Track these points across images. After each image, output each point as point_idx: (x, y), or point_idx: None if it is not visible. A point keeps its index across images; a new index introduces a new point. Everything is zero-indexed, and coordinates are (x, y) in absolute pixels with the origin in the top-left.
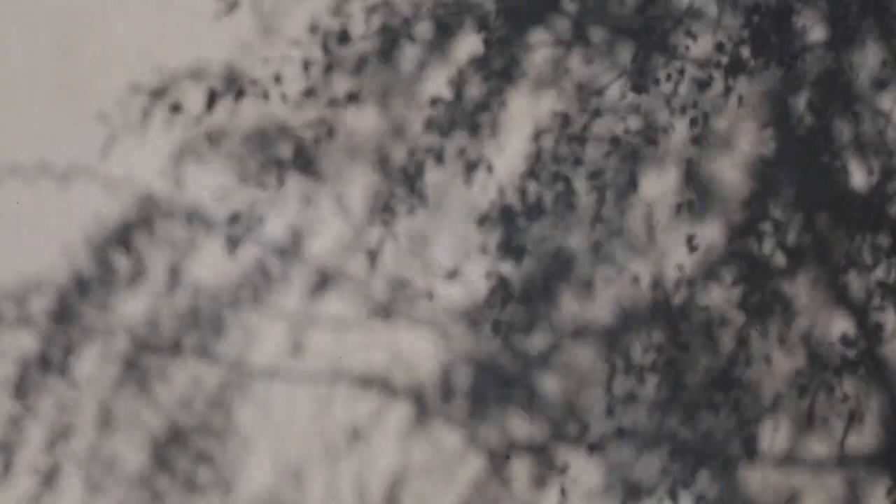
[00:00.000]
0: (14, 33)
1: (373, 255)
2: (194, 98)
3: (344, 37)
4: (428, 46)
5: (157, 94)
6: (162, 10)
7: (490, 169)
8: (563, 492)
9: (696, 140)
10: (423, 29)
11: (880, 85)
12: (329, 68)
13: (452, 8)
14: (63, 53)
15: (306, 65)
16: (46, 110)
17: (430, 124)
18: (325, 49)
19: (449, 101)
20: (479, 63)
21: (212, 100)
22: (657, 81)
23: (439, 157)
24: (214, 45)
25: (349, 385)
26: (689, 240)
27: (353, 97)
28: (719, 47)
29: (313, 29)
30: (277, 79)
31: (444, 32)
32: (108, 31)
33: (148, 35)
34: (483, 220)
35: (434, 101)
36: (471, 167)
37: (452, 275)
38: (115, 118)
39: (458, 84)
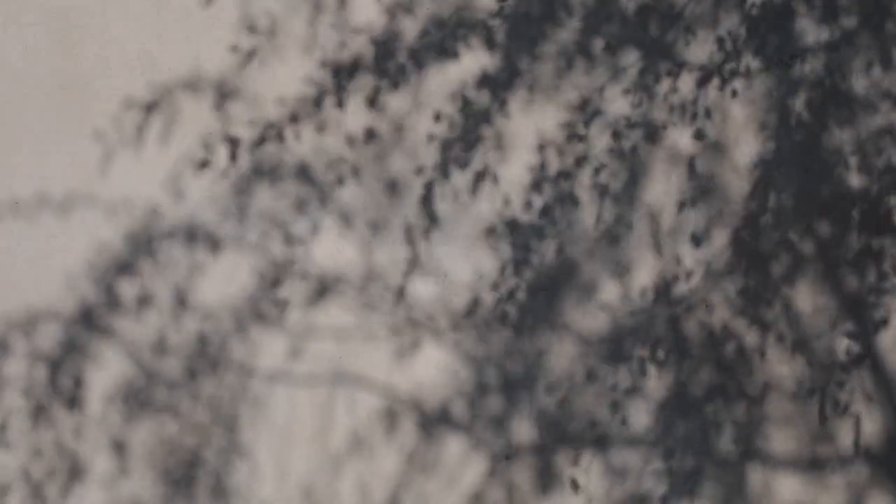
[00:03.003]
0: (14, 33)
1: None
2: (192, 113)
3: (353, 68)
4: (432, 63)
5: (154, 107)
6: (161, 11)
7: (495, 179)
8: (576, 485)
9: (697, 139)
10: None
11: (878, 86)
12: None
13: (456, 25)
14: (63, 53)
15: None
16: (46, 115)
17: (432, 139)
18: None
19: (453, 117)
20: (484, 78)
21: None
22: (658, 79)
23: (445, 173)
24: (212, 45)
25: (352, 390)
26: (691, 239)
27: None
28: (718, 50)
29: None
30: (275, 85)
31: (448, 52)
32: (108, 31)
33: (147, 35)
34: (490, 232)
35: (438, 117)
36: (477, 178)
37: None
38: (111, 133)
39: (463, 99)
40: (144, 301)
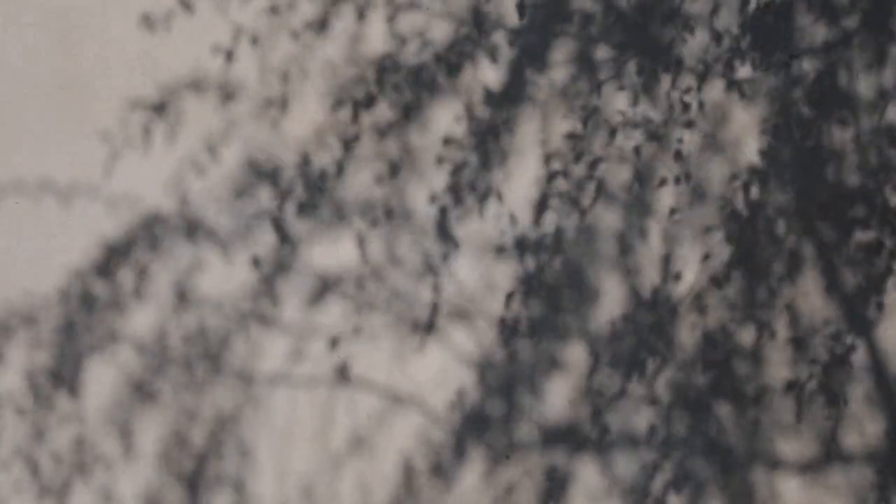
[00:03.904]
0: (14, 33)
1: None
2: (195, 110)
3: (370, 101)
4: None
5: (158, 108)
6: (161, 11)
7: (500, 196)
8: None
9: (696, 140)
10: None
11: (878, 85)
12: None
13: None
14: (63, 53)
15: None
16: (46, 115)
17: (442, 161)
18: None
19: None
20: (489, 94)
21: None
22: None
23: (458, 199)
24: (213, 46)
25: (352, 390)
26: (692, 239)
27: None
28: (718, 48)
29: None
30: (280, 88)
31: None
32: (108, 31)
33: (147, 36)
34: (499, 250)
35: (447, 141)
36: (482, 196)
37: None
38: (115, 134)
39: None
40: (144, 298)
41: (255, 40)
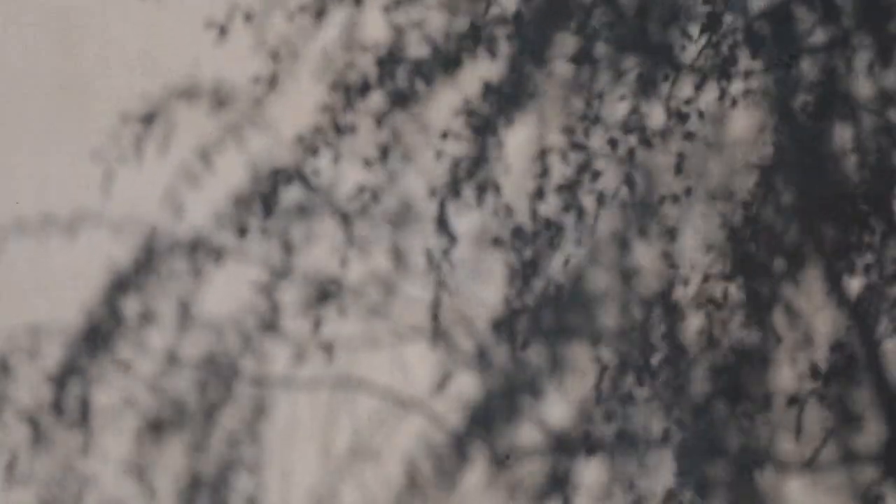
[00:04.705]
0: (14, 33)
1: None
2: (189, 123)
3: (365, 87)
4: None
5: (151, 119)
6: (161, 11)
7: (498, 189)
8: (566, 499)
9: (695, 140)
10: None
11: (878, 85)
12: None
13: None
14: (63, 53)
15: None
16: (46, 115)
17: (440, 156)
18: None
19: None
20: (488, 89)
21: None
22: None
23: (456, 192)
24: (212, 46)
25: (356, 395)
26: (690, 237)
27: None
28: (718, 50)
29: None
30: (274, 90)
31: (453, 62)
32: (108, 31)
33: (147, 36)
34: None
35: (445, 135)
36: (480, 188)
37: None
38: (117, 138)
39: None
40: (148, 316)
41: (248, 18)
